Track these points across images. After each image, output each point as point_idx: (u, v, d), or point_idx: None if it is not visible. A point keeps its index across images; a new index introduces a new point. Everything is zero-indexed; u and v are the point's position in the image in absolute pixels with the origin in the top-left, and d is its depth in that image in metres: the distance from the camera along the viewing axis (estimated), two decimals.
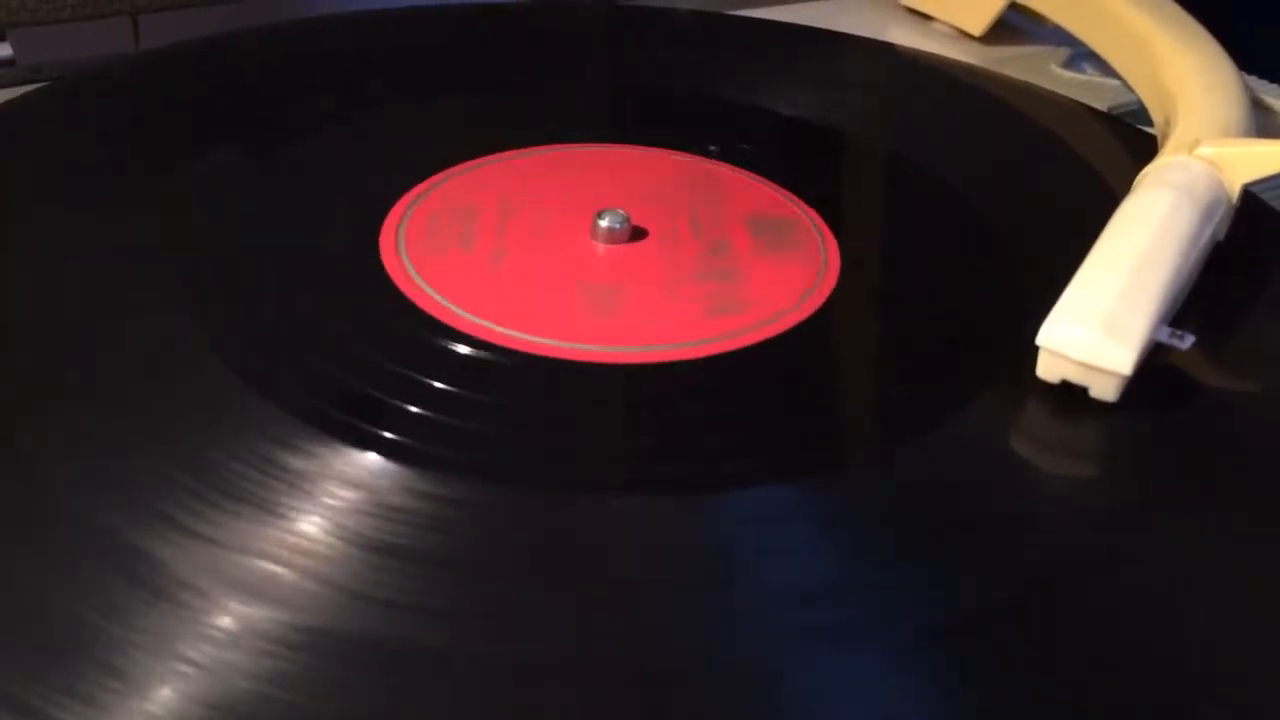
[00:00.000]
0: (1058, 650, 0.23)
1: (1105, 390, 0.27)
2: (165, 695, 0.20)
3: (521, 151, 0.37)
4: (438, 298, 0.30)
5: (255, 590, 0.22)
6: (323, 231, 0.33)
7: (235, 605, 0.22)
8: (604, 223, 0.33)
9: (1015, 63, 0.48)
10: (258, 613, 0.22)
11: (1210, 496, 0.26)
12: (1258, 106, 0.45)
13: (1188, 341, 0.28)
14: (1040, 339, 0.27)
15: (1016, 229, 0.35)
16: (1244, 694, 0.22)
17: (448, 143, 0.37)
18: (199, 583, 0.22)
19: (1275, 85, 0.46)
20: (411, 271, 0.31)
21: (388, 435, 0.26)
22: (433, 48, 0.44)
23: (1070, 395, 0.27)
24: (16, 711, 0.20)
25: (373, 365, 0.28)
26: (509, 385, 0.28)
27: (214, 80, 0.41)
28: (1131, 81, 0.41)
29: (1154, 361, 0.28)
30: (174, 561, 0.22)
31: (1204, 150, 0.32)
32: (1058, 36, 0.49)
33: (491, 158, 0.37)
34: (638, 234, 0.33)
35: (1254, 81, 0.46)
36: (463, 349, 0.29)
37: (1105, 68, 0.45)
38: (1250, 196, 0.35)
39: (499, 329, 0.29)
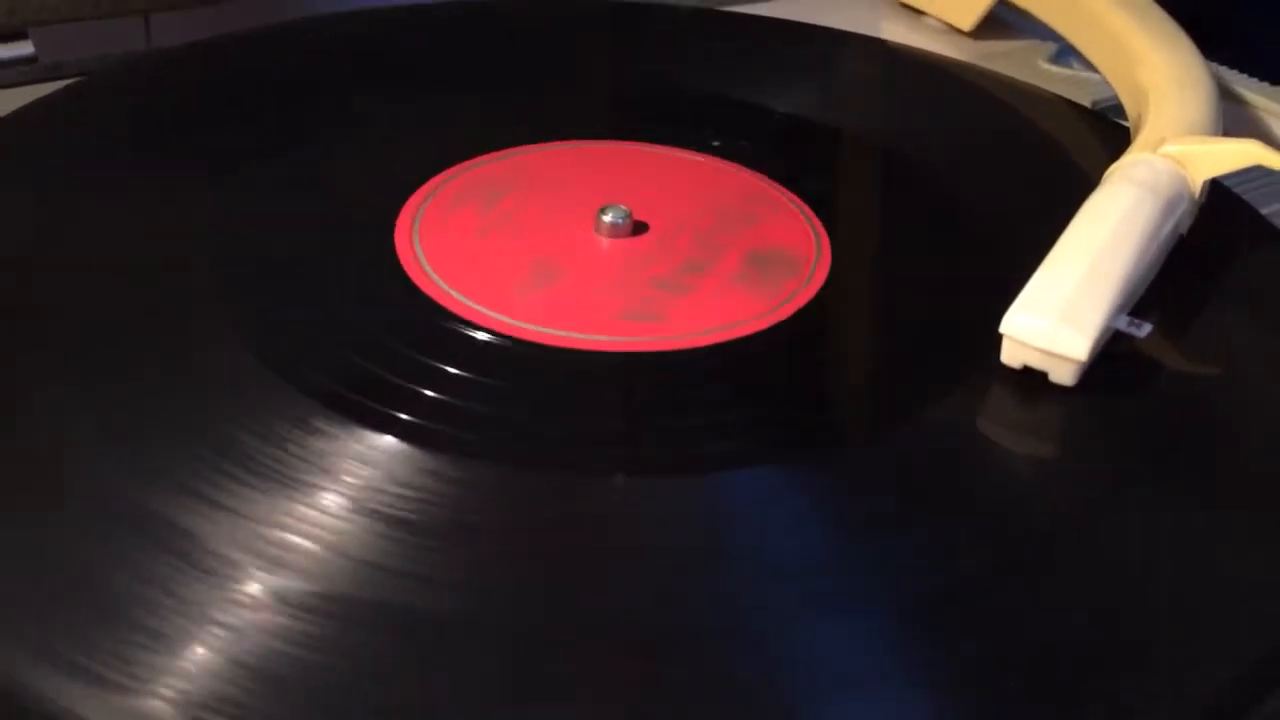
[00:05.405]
0: (1029, 618, 0.24)
1: (1063, 375, 0.29)
2: (197, 655, 0.22)
3: (527, 148, 0.38)
4: (449, 289, 0.32)
5: (279, 560, 0.24)
6: (340, 225, 0.35)
7: (260, 573, 0.23)
8: (607, 218, 0.34)
9: (1004, 58, 0.49)
10: (281, 581, 0.23)
11: (1164, 473, 0.28)
12: (1234, 100, 0.46)
13: (1145, 330, 0.30)
14: (1003, 327, 0.29)
15: (998, 221, 0.36)
16: (1196, 656, 0.24)
17: (459, 139, 0.38)
18: (227, 553, 0.24)
19: (1250, 79, 0.48)
20: (424, 263, 0.33)
21: (402, 418, 0.27)
22: (439, 45, 0.45)
23: (1035, 380, 0.29)
24: (64, 670, 0.22)
25: (388, 352, 0.29)
26: (517, 372, 0.30)
27: (233, 76, 0.42)
28: (1109, 78, 0.43)
29: (1116, 348, 0.30)
30: (204, 534, 0.24)
31: (1169, 148, 0.33)
32: (1045, 32, 0.50)
33: (500, 154, 0.38)
34: (639, 229, 0.34)
35: (1231, 75, 0.48)
36: (472, 338, 0.30)
37: (1090, 63, 0.47)
38: (1224, 190, 0.37)
39: (507, 319, 0.31)
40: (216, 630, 0.23)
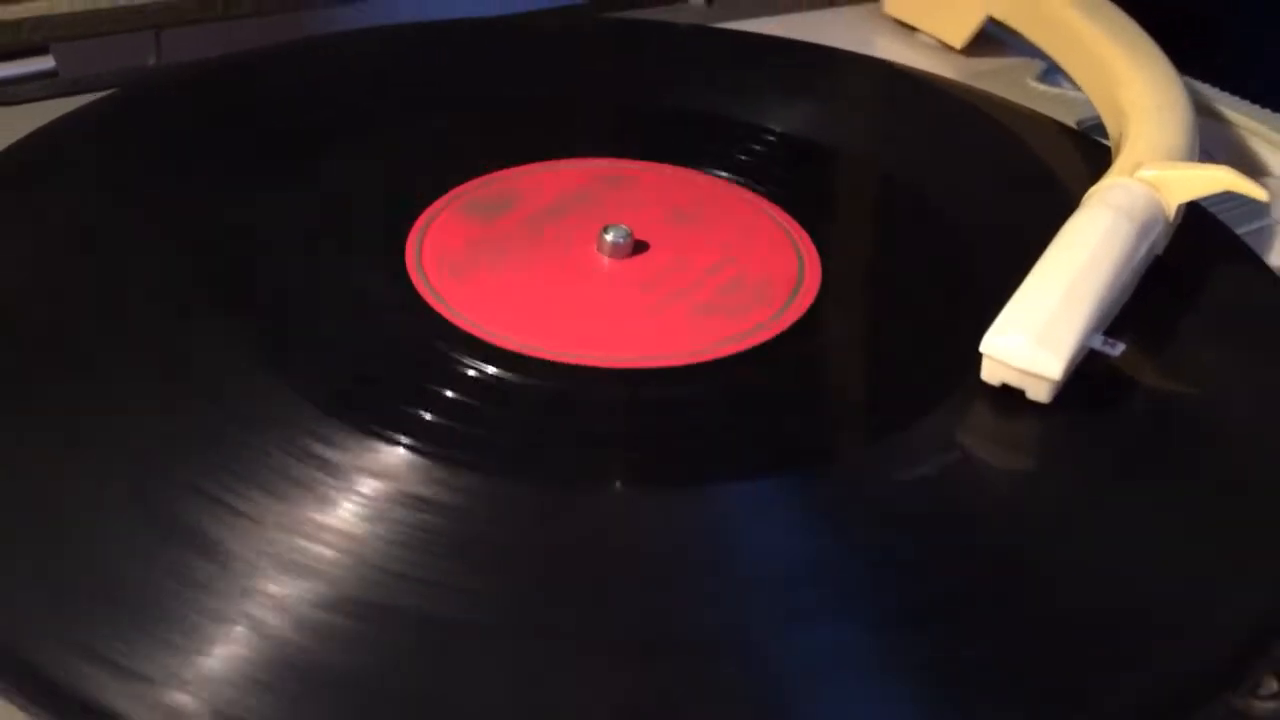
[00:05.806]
0: (1017, 624, 0.26)
1: (1039, 393, 0.30)
2: (219, 650, 0.23)
3: (530, 166, 0.39)
4: (455, 310, 0.33)
5: (295, 564, 0.25)
6: (351, 247, 0.36)
7: (278, 576, 0.25)
8: (609, 237, 0.35)
9: (994, 75, 0.50)
10: (296, 583, 0.25)
11: (1138, 485, 0.29)
12: (1219, 120, 0.48)
13: (1118, 349, 0.31)
14: (983, 346, 0.30)
15: (984, 240, 0.37)
16: (1176, 657, 0.26)
17: (464, 157, 0.39)
18: (247, 557, 0.25)
19: (1235, 98, 0.49)
20: (431, 283, 0.34)
21: (412, 430, 0.28)
22: (447, 63, 0.46)
23: (1017, 396, 0.30)
24: (97, 663, 0.23)
25: (399, 370, 0.31)
26: (520, 387, 0.31)
27: (249, 92, 0.43)
28: (1093, 99, 0.44)
29: (1092, 366, 0.31)
30: (226, 539, 0.26)
31: (1145, 173, 0.34)
32: (1035, 50, 0.51)
33: (504, 172, 0.39)
34: (640, 248, 0.36)
35: (1216, 94, 0.49)
36: (476, 353, 0.31)
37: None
38: (1200, 210, 0.38)
39: (511, 336, 0.32)
40: (239, 630, 0.24)
